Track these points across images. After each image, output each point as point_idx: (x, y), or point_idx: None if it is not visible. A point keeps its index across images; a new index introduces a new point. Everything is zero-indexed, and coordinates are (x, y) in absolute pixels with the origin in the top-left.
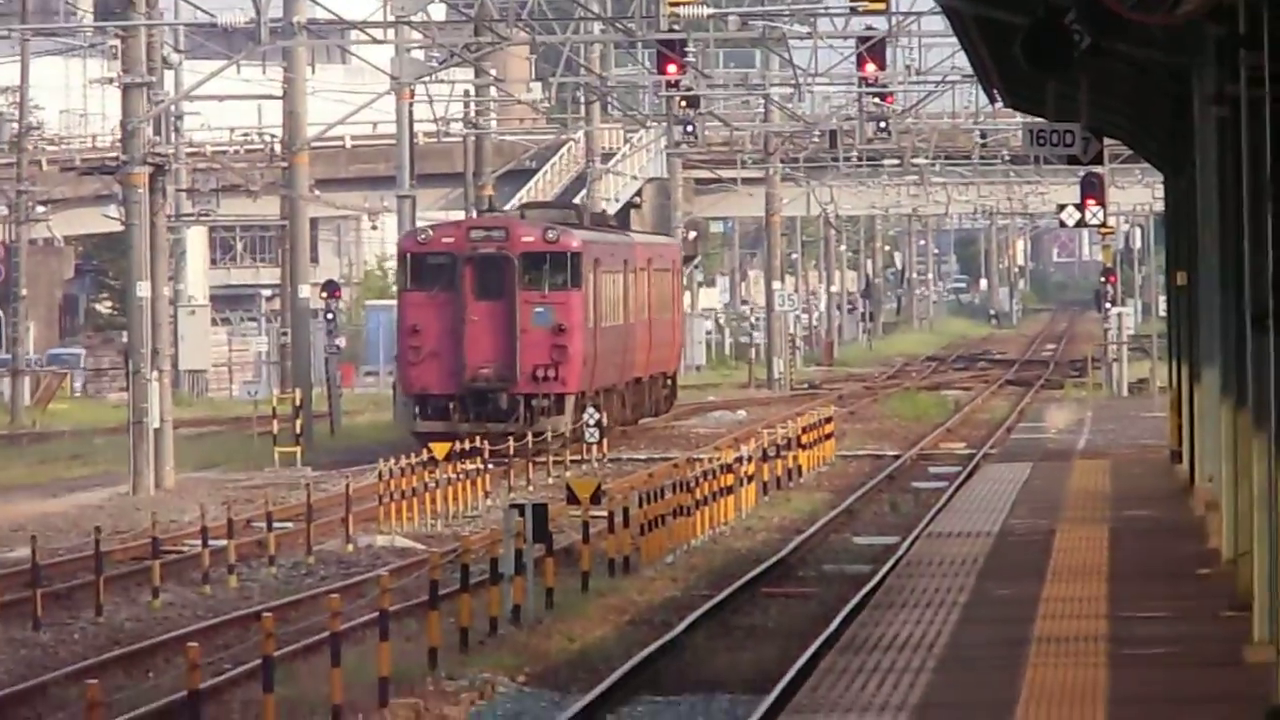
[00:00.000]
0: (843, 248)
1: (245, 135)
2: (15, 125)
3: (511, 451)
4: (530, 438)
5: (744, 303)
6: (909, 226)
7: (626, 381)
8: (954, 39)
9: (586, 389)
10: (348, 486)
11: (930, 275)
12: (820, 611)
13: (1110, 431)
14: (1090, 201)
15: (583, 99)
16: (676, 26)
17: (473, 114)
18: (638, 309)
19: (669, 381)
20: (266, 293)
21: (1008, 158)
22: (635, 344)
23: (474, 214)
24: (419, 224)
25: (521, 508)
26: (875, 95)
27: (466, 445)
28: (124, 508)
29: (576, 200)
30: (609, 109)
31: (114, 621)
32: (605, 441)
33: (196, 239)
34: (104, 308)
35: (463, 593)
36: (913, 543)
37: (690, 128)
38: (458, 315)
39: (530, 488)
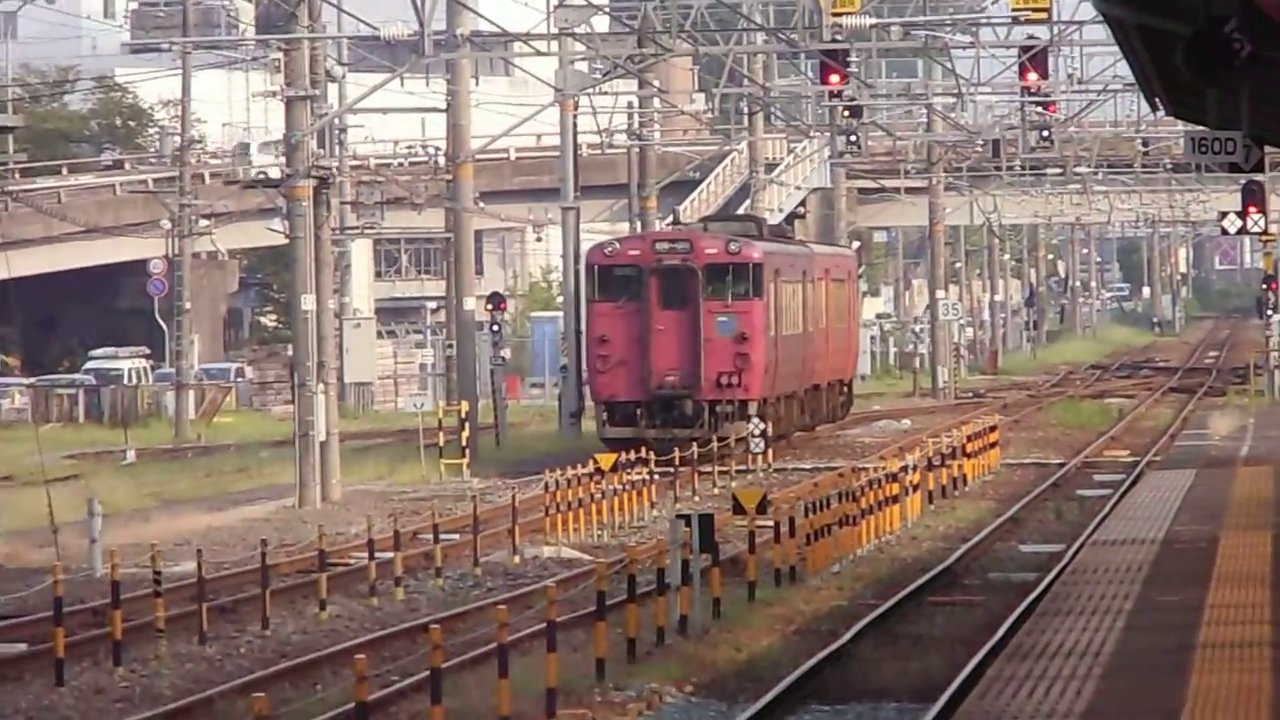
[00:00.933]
0: (1006, 256)
1: (409, 148)
2: (178, 139)
3: (679, 462)
4: (713, 443)
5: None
6: (1072, 235)
7: (806, 389)
8: (1115, 48)
9: (768, 395)
10: (514, 498)
11: (1093, 283)
12: (986, 620)
13: (1273, 438)
14: (1252, 209)
15: (746, 109)
16: (839, 37)
17: (636, 125)
18: (816, 318)
19: (845, 388)
20: (431, 305)
21: (1170, 166)
22: (814, 352)
23: (639, 226)
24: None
25: (688, 518)
26: (1038, 104)
27: (632, 455)
28: (290, 520)
29: (741, 210)
30: (772, 119)
31: (280, 634)
32: (771, 451)
33: (361, 252)
34: (269, 320)
35: (629, 603)
36: (1078, 550)
37: (853, 138)
38: (644, 325)
39: (696, 498)
